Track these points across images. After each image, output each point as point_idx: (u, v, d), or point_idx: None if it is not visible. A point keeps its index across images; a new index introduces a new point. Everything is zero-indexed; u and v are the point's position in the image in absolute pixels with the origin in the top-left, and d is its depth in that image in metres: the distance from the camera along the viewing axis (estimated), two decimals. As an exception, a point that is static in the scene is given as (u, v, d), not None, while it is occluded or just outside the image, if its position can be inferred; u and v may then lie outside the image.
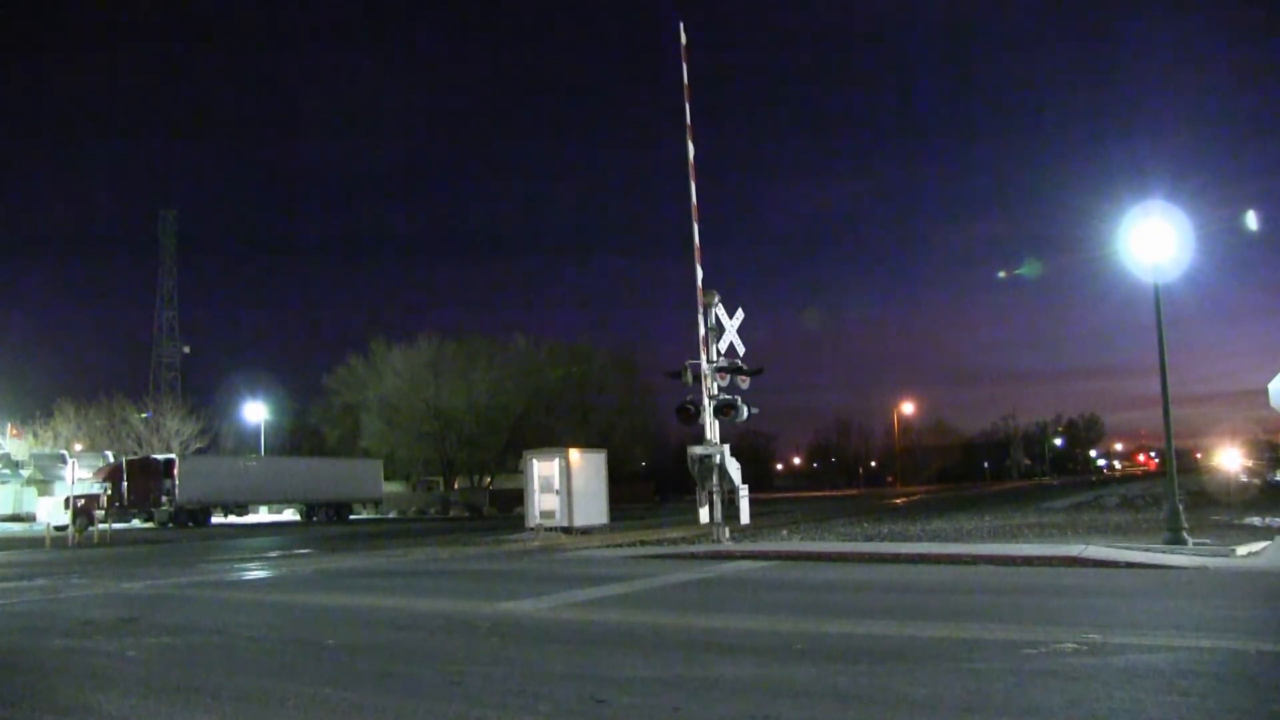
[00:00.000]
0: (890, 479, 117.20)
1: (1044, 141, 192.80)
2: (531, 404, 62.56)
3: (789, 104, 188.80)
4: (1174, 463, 17.42)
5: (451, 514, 52.85)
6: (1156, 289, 16.52)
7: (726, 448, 20.25)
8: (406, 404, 61.05)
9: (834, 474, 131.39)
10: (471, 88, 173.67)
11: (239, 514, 46.92)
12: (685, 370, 20.69)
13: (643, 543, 21.23)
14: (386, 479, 54.87)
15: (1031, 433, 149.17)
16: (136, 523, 43.43)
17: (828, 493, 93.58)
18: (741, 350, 20.67)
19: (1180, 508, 15.96)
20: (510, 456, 51.30)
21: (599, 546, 21.18)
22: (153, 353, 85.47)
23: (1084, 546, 15.42)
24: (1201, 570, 13.11)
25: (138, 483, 42.62)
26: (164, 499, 42.45)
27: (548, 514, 27.81)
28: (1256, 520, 21.48)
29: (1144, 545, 15.64)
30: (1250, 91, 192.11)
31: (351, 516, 49.93)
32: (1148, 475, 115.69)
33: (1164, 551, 14.79)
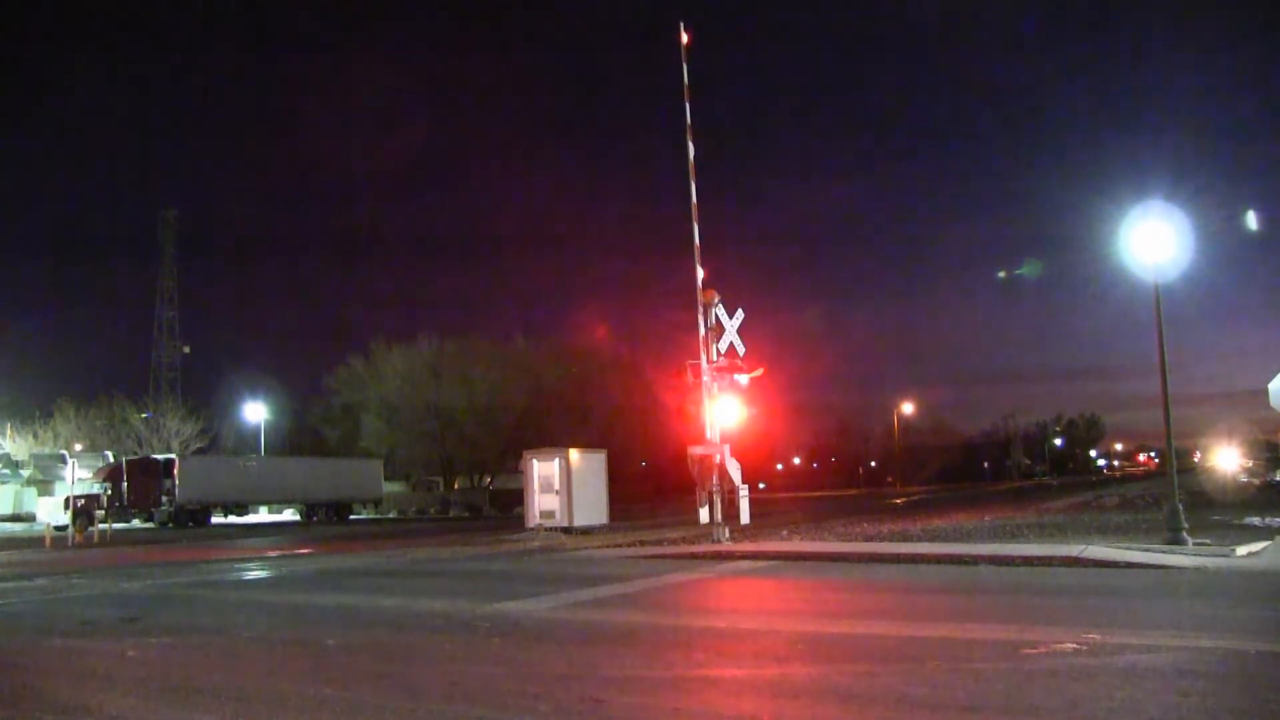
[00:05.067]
0: (890, 479, 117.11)
1: (1044, 141, 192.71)
2: (531, 404, 62.48)
3: (789, 104, 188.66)
4: (1174, 463, 17.43)
5: (451, 514, 52.84)
6: (1156, 289, 16.52)
7: (726, 448, 20.24)
8: (406, 404, 60.99)
9: (834, 474, 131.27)
10: (472, 88, 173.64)
11: (239, 514, 46.88)
12: (685, 370, 20.69)
13: (643, 543, 21.23)
14: (386, 479, 54.84)
15: (1031, 433, 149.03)
16: (136, 523, 43.39)
17: (828, 493, 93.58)
18: (742, 350, 20.67)
19: (1180, 508, 15.96)
20: (510, 456, 51.22)
21: (599, 546, 21.17)
22: (153, 353, 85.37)
23: (1084, 546, 15.42)
24: (1201, 570, 13.12)
25: (138, 483, 42.58)
26: (164, 499, 42.40)
27: (548, 514, 27.80)
28: (1256, 520, 21.48)
29: (1144, 545, 15.63)
30: (1250, 91, 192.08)
31: (351, 516, 49.90)
32: (1148, 475, 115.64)
33: (1164, 551, 14.79)
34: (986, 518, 26.57)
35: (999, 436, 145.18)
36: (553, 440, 44.83)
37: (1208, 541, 15.89)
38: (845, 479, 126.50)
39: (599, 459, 29.79)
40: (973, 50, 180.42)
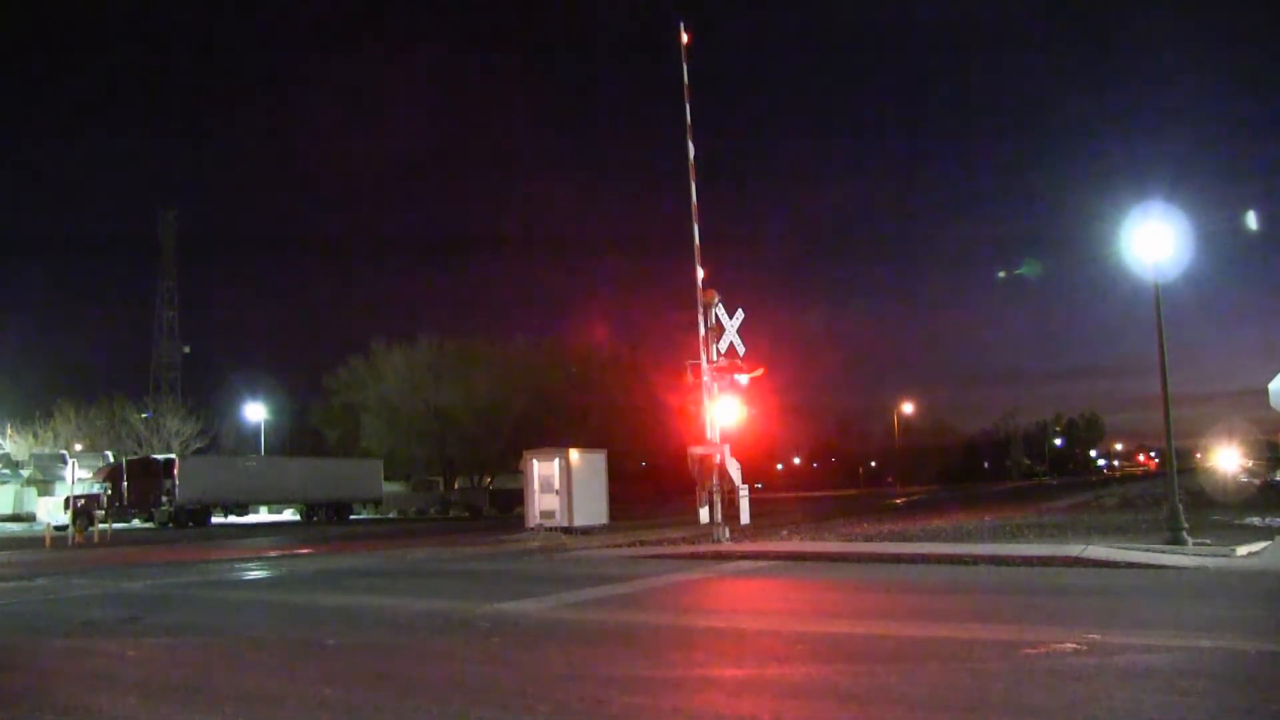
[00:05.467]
0: (890, 479, 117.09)
1: (1044, 141, 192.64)
2: (531, 404, 62.45)
3: (789, 104, 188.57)
4: (1174, 463, 17.42)
5: (451, 514, 52.81)
6: (1156, 289, 16.52)
7: (726, 448, 20.24)
8: (406, 404, 60.99)
9: (834, 474, 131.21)
10: (472, 88, 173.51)
11: (239, 514, 46.86)
12: (685, 370, 20.70)
13: (643, 543, 21.23)
14: (386, 479, 54.82)
15: (1031, 433, 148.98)
16: (136, 523, 43.37)
17: (828, 493, 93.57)
18: (742, 350, 20.67)
19: (1180, 508, 15.96)
20: (510, 456, 51.20)
21: (599, 546, 21.17)
22: (153, 353, 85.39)
23: (1084, 546, 15.41)
24: (1201, 570, 13.12)
25: (138, 483, 42.57)
26: (164, 499, 42.38)
27: (548, 514, 27.80)
28: (1256, 520, 21.47)
29: (1144, 545, 15.63)
30: (1250, 92, 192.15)
31: (351, 516, 49.91)
32: (1148, 475, 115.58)
33: (1164, 551, 14.78)
34: (986, 518, 26.56)
35: (999, 436, 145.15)
36: (553, 440, 44.79)
37: (1208, 541, 15.89)
38: (845, 479, 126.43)
39: (599, 459, 29.78)
40: (972, 50, 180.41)
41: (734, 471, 20.29)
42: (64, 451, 52.62)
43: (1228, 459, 71.09)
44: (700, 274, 20.66)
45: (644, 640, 8.84)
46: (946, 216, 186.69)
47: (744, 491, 20.49)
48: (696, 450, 20.23)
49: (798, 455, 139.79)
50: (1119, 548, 15.43)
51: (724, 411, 20.30)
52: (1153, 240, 16.21)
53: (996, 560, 14.66)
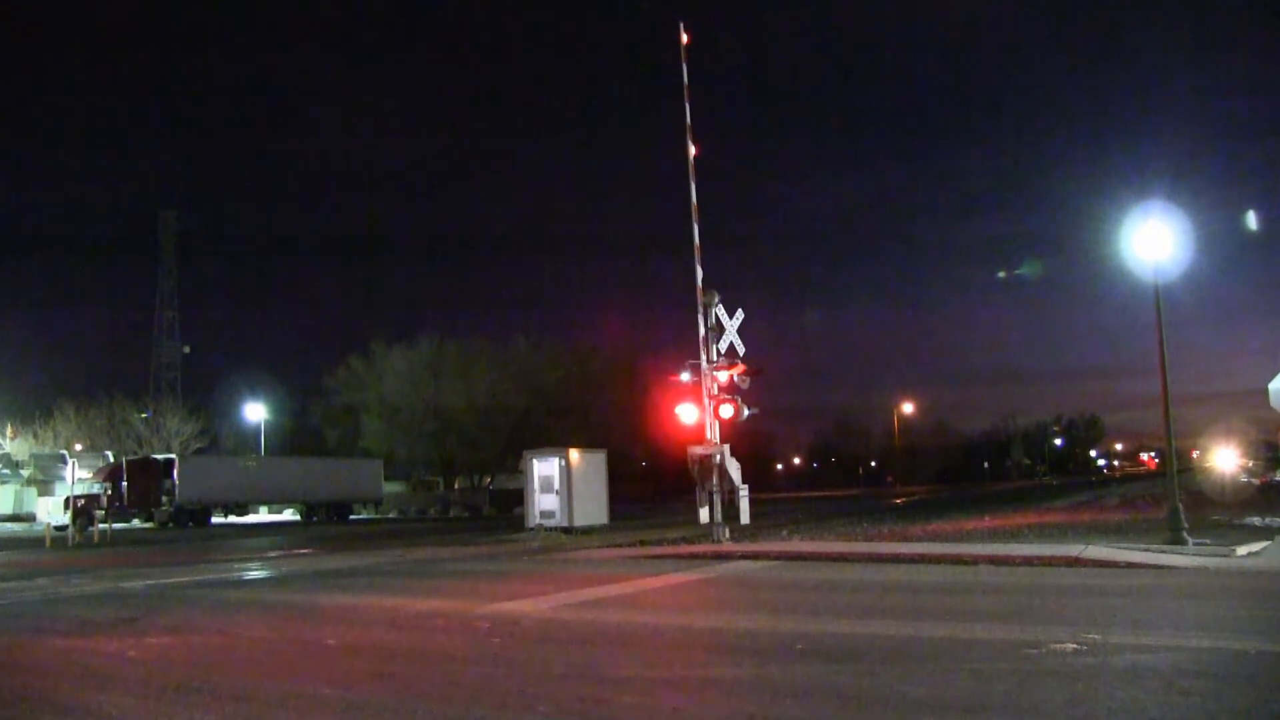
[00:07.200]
0: (890, 479, 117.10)
1: (1044, 141, 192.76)
2: (531, 404, 62.46)
3: (789, 104, 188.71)
4: (1174, 463, 17.42)
5: (451, 514, 52.82)
6: (1156, 289, 16.52)
7: (726, 448, 20.24)
8: (406, 404, 60.98)
9: (834, 474, 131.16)
10: (471, 88, 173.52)
11: (239, 514, 46.88)
12: (685, 370, 20.70)
13: (643, 543, 21.22)
14: (386, 479, 54.84)
15: (1031, 433, 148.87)
16: (136, 523, 43.38)
17: (828, 493, 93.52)
18: (741, 350, 20.68)
19: (1180, 508, 15.96)
20: (510, 456, 51.20)
21: (599, 546, 21.17)
22: (153, 353, 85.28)
23: (1084, 546, 15.42)
24: (1201, 570, 13.12)
25: (138, 483, 42.56)
26: (164, 499, 42.40)
27: (548, 514, 27.80)
28: (1256, 520, 21.47)
29: (1144, 545, 15.64)
30: (1250, 92, 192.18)
31: (351, 516, 49.91)
32: (1148, 475, 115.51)
33: (1164, 551, 14.79)
34: (986, 518, 26.56)
35: (999, 436, 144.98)
36: (553, 440, 44.78)
37: (1208, 541, 15.90)
38: (845, 479, 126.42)
39: (599, 459, 29.78)
40: (973, 50, 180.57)
41: (734, 471, 20.29)
42: (64, 451, 52.59)
43: (1227, 459, 71.04)
44: (700, 274, 20.68)
45: (644, 640, 8.84)
46: (946, 216, 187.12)
47: (744, 491, 20.50)
48: (696, 450, 20.23)
49: (798, 455, 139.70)
50: (1119, 548, 15.43)
51: (724, 411, 20.30)
52: (1153, 240, 16.22)
53: (996, 560, 14.65)
